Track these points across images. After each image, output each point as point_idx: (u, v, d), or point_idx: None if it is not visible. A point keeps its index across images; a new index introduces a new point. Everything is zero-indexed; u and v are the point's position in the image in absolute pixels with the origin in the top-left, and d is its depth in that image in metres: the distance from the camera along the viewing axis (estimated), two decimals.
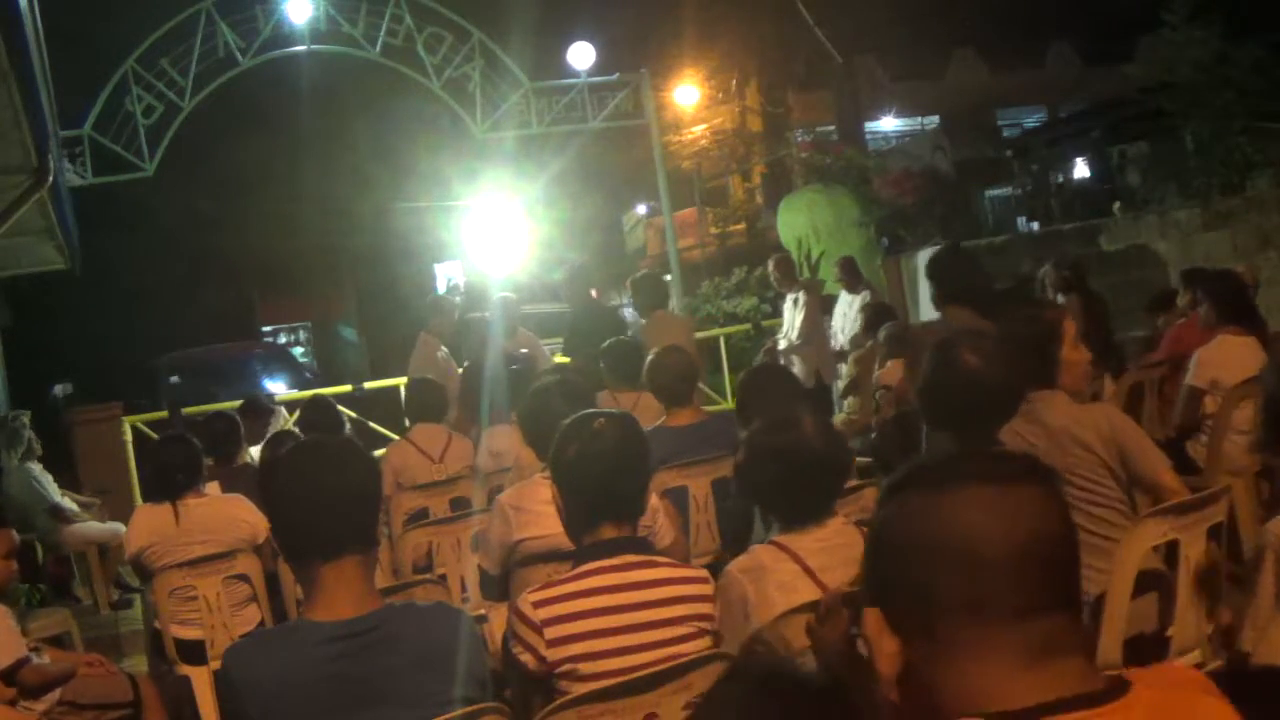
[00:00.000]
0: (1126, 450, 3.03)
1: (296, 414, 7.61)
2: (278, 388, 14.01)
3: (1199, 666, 2.74)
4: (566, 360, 8.06)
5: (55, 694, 3.72)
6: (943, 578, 1.09)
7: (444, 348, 7.39)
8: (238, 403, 7.12)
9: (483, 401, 5.39)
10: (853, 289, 9.21)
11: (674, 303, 14.65)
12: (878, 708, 1.15)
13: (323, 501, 2.04)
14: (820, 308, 8.72)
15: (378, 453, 7.88)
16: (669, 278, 14.01)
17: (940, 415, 2.93)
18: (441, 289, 22.72)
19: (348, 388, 10.97)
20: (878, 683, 1.13)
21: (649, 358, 4.57)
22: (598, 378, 5.28)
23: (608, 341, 5.52)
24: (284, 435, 5.70)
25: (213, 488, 4.72)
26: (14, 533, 4.06)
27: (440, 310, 7.69)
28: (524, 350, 6.91)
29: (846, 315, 8.88)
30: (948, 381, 2.85)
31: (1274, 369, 2.66)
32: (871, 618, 1.13)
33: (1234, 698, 1.13)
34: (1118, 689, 1.08)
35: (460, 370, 6.91)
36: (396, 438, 6.98)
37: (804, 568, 2.40)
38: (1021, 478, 1.13)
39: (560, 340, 8.61)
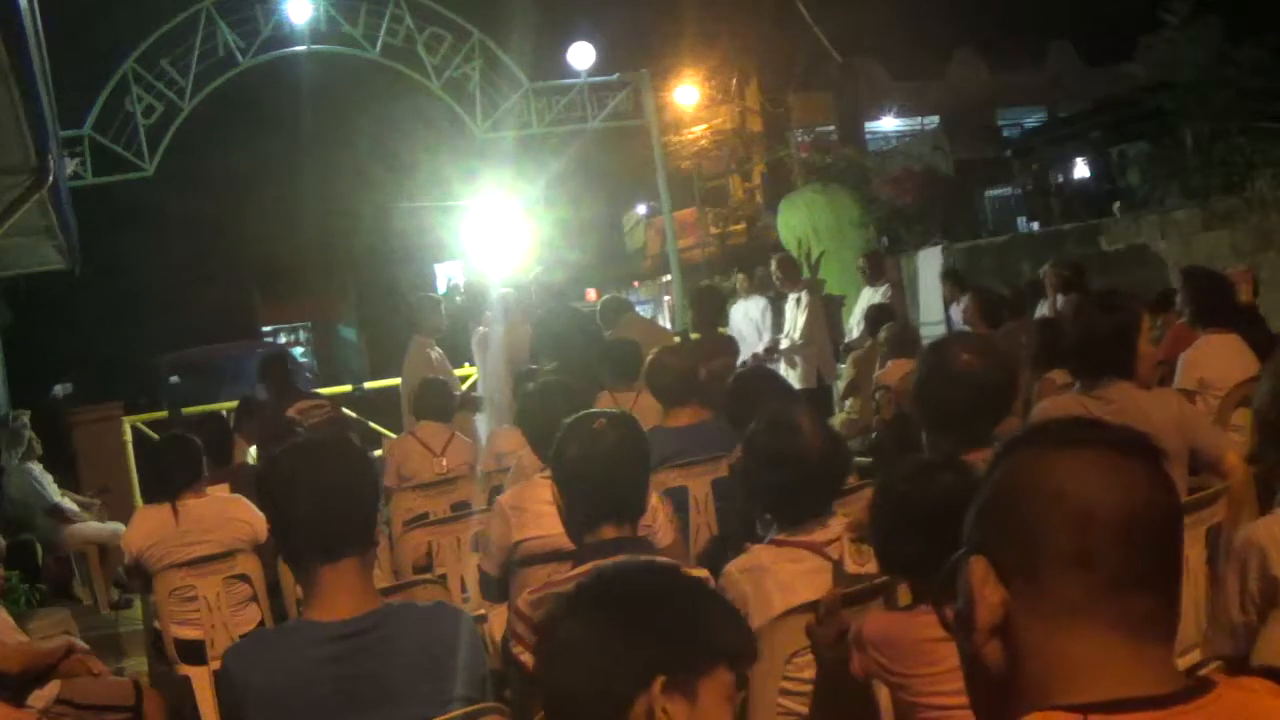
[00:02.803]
0: (1193, 429, 3.17)
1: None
2: None
3: (1198, 668, 2.74)
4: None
5: (54, 693, 3.72)
6: (1058, 529, 1.10)
7: (437, 349, 7.36)
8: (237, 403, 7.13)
9: None
10: (874, 282, 9.22)
11: (674, 301, 14.67)
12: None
13: (321, 502, 2.04)
14: (822, 308, 8.71)
15: (377, 453, 7.88)
16: (668, 278, 14.02)
17: (938, 415, 2.93)
18: (442, 289, 22.72)
19: (348, 388, 10.97)
20: (972, 634, 1.13)
21: (648, 358, 4.57)
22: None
23: (608, 341, 5.51)
24: (283, 433, 5.70)
25: (220, 489, 4.71)
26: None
27: (430, 310, 7.62)
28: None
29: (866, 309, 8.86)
30: (945, 382, 2.84)
31: (1270, 378, 2.67)
32: (979, 565, 1.14)
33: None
34: (1200, 688, 1.09)
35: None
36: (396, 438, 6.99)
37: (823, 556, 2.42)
38: (1139, 450, 1.16)
39: None
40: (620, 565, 1.42)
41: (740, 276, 9.63)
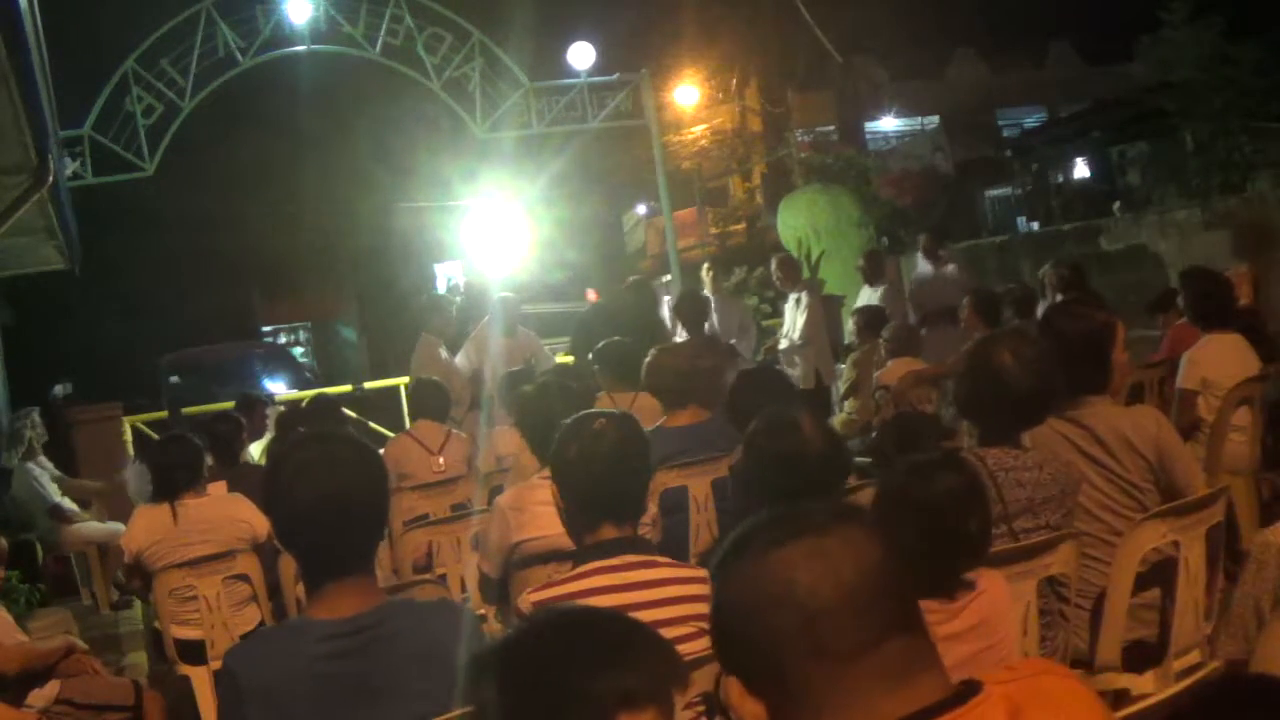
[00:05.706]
0: (1167, 454, 3.01)
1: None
2: (278, 388, 14.01)
3: (1197, 668, 2.75)
4: (569, 360, 8.06)
5: (54, 693, 3.72)
6: (785, 634, 1.14)
7: (445, 347, 7.40)
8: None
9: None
10: (873, 282, 9.22)
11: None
12: None
13: (333, 514, 2.00)
14: (822, 308, 8.71)
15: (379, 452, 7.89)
16: (668, 278, 14.01)
17: (969, 405, 2.98)
18: (442, 289, 22.73)
19: (348, 388, 10.97)
20: None
21: (647, 359, 4.57)
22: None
23: (602, 343, 5.51)
24: (288, 434, 5.71)
25: (219, 488, 4.72)
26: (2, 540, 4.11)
27: (439, 310, 7.71)
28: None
29: None
30: (980, 375, 2.85)
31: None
32: (731, 686, 1.17)
33: (1233, 703, 1.13)
34: (970, 690, 1.14)
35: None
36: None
37: None
38: (833, 523, 1.20)
39: (563, 339, 8.58)
40: (521, 631, 1.36)
41: (705, 265, 9.50)
